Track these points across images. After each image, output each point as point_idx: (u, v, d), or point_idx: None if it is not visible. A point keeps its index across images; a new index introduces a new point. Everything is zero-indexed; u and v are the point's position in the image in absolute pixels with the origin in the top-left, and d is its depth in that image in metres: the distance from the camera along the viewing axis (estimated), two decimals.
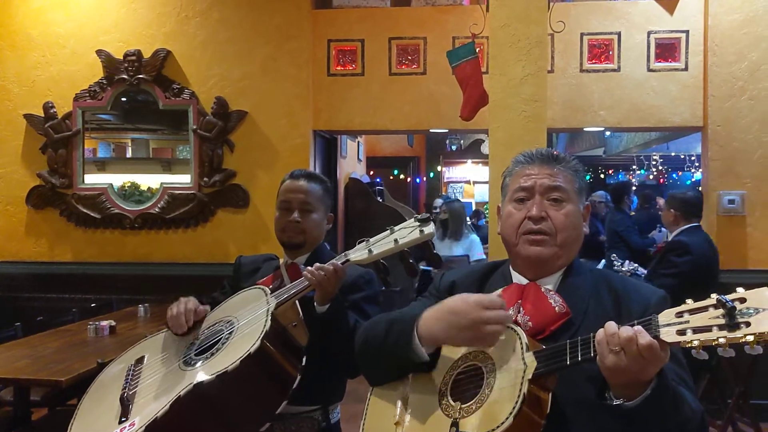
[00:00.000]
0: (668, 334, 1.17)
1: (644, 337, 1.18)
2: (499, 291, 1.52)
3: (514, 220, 1.54)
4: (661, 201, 4.05)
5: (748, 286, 1.16)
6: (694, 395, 1.37)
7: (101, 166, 6.02)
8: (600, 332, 1.23)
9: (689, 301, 1.20)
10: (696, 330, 1.15)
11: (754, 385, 4.34)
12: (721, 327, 1.12)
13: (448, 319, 1.40)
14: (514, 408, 1.25)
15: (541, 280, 1.53)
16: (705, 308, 1.16)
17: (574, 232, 1.53)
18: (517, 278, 1.57)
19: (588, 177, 12.64)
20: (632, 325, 1.21)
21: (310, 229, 2.28)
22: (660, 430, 1.28)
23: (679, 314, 1.19)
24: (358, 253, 1.95)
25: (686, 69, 5.20)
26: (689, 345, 1.14)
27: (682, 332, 1.16)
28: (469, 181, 12.46)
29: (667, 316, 1.20)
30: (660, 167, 12.77)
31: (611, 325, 1.22)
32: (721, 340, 1.11)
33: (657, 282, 3.92)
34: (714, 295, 1.17)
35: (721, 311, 1.13)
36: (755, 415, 4.37)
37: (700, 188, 5.35)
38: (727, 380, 4.42)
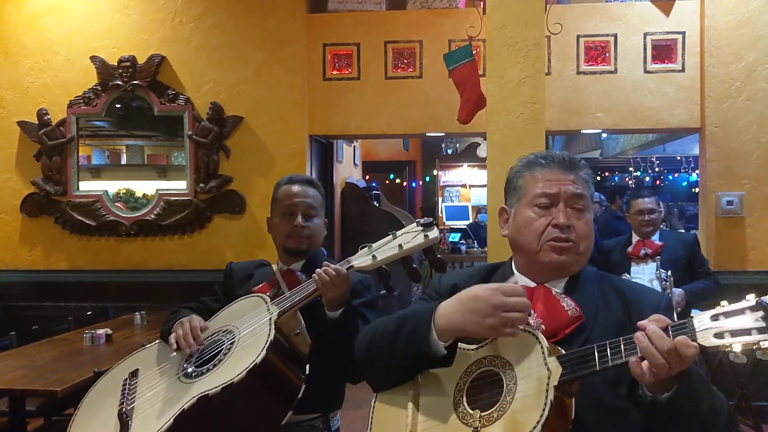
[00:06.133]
0: (706, 338, 1.14)
1: (689, 349, 1.15)
2: (516, 278, 1.50)
3: (536, 226, 1.51)
4: None
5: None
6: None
7: (96, 173, 5.98)
8: (643, 340, 1.19)
9: (724, 303, 1.16)
10: (734, 333, 1.12)
11: (756, 387, 4.32)
12: (761, 330, 1.09)
13: (469, 306, 1.35)
14: (541, 416, 1.21)
15: (549, 283, 1.51)
16: (741, 311, 1.13)
17: (592, 239, 1.53)
18: (523, 280, 1.54)
19: None
20: (666, 329, 1.18)
21: (315, 234, 2.25)
22: (694, 420, 1.25)
23: (715, 317, 1.16)
24: (361, 259, 1.91)
25: (683, 70, 5.18)
26: (728, 349, 1.11)
27: (719, 335, 1.13)
28: (465, 184, 12.43)
29: (702, 319, 1.17)
30: (657, 168, 12.75)
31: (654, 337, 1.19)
32: (764, 344, 1.08)
33: None
34: (752, 297, 1.13)
35: (760, 314, 1.10)
36: (757, 417, 4.35)
37: (696, 189, 5.36)
38: (728, 382, 4.40)
